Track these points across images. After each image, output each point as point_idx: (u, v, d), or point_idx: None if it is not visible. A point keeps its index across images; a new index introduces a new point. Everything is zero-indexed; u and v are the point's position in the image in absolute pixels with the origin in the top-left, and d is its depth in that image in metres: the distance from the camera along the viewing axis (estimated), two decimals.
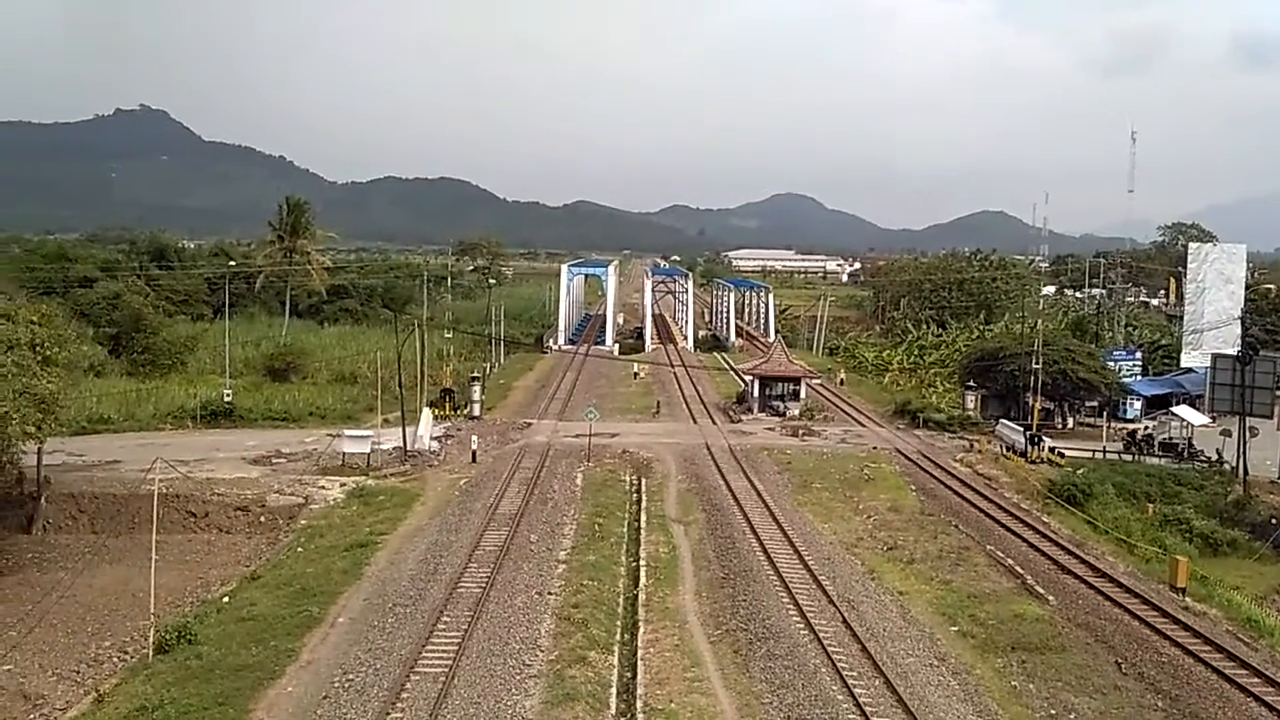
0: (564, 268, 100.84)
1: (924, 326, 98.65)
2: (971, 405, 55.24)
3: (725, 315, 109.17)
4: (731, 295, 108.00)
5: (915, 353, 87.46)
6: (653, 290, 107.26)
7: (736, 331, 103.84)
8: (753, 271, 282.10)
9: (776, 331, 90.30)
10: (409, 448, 44.36)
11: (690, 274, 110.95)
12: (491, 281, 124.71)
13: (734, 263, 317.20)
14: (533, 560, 29.65)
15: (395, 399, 48.72)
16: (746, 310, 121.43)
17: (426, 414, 48.69)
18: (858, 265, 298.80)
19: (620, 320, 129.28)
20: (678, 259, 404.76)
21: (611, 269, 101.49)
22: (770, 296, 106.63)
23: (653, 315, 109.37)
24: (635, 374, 72.09)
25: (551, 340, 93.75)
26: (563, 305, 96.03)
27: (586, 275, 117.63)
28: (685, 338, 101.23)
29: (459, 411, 53.77)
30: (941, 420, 53.33)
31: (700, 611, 26.67)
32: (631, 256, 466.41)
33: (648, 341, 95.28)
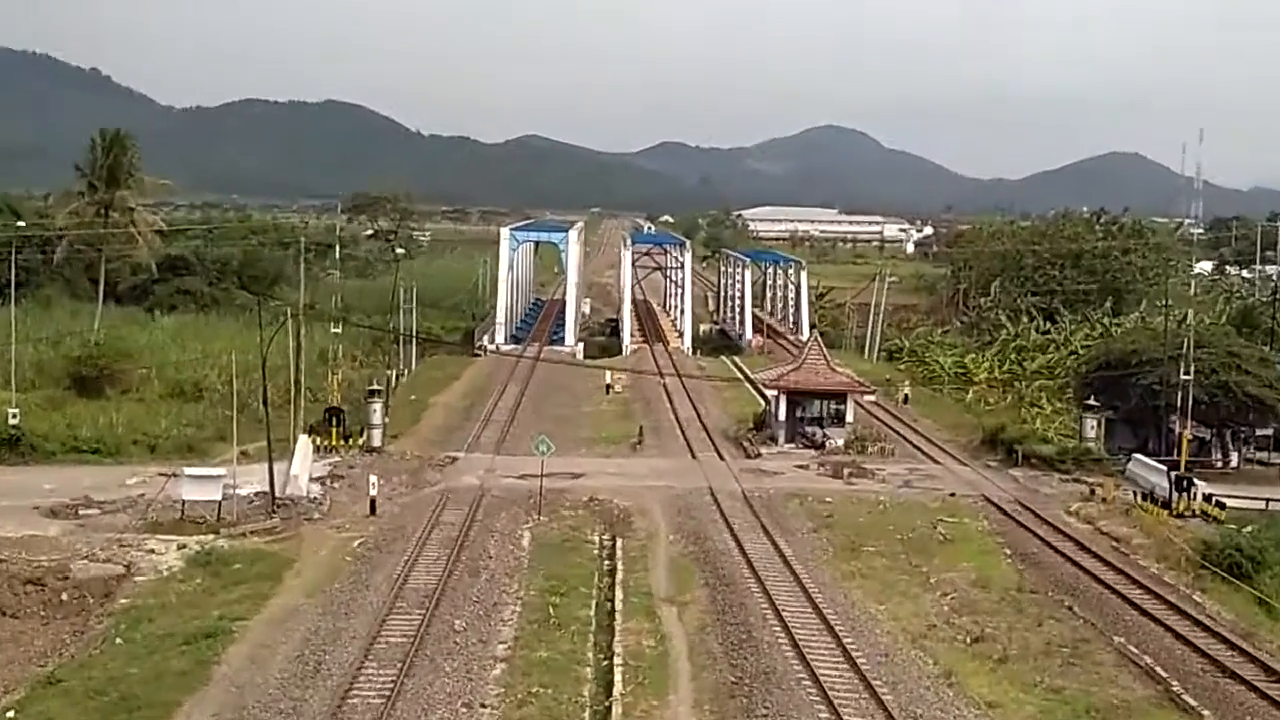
0: (504, 232, 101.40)
1: (1024, 319, 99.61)
2: (1092, 433, 55.69)
3: (738, 302, 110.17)
4: (747, 273, 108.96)
5: (1012, 357, 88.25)
6: (633, 266, 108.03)
7: (754, 326, 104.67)
8: (778, 239, 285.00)
9: (812, 327, 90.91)
10: (278, 493, 44.20)
11: (688, 242, 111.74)
12: (399, 252, 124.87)
13: (751, 226, 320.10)
14: (458, 658, 29.48)
15: (259, 423, 48.73)
16: (769, 295, 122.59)
17: (304, 444, 48.58)
18: (929, 230, 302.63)
19: (587, 309, 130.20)
20: (669, 220, 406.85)
21: (573, 234, 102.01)
22: (803, 275, 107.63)
23: (633, 302, 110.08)
24: (608, 387, 72.46)
25: (487, 338, 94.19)
26: (503, 287, 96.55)
27: (537, 243, 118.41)
28: (680, 335, 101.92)
29: (351, 441, 53.74)
30: (1049, 455, 53.80)
31: None
32: (603, 216, 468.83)
33: (626, 340, 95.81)
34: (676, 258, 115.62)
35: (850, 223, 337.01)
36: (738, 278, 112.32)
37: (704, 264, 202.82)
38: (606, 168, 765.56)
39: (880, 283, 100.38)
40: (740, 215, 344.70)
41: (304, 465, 46.84)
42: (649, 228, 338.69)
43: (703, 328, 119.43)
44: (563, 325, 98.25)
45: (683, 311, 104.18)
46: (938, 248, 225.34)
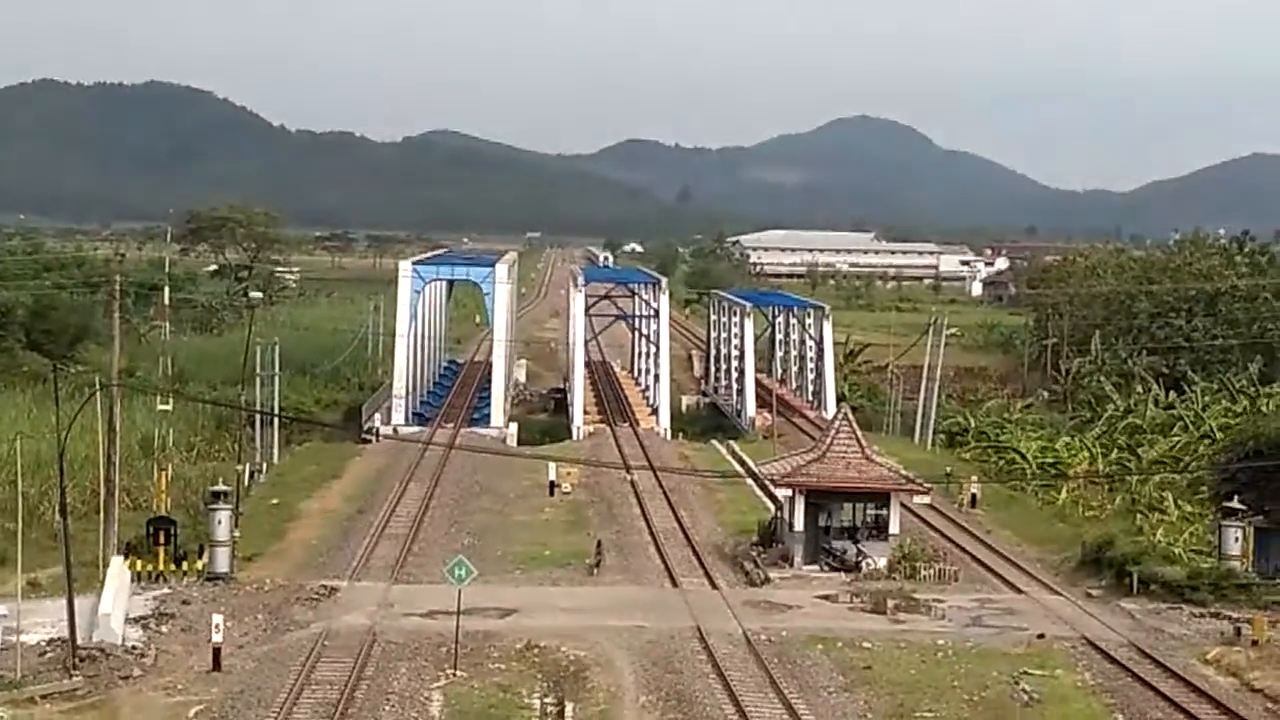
0: (404, 267, 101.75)
1: (1138, 388, 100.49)
2: (1236, 548, 56.02)
3: (736, 364, 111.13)
4: (748, 324, 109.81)
5: (1121, 442, 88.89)
6: (587, 314, 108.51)
7: (759, 398, 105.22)
8: (790, 276, 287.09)
9: (840, 399, 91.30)
10: (81, 640, 43.77)
11: (663, 281, 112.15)
12: (254, 296, 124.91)
13: (753, 257, 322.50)
14: None
15: (54, 540, 48.29)
16: (779, 354, 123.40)
17: (119, 570, 48.20)
18: (1003, 263, 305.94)
19: (522, 375, 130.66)
20: (638, 249, 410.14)
21: (502, 270, 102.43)
22: (827, 326, 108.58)
23: (588, 365, 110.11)
24: (553, 485, 72.51)
25: (380, 417, 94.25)
26: (402, 344, 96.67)
27: (451, 283, 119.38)
28: (655, 411, 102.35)
29: (186, 565, 53.43)
30: (1176, 579, 54.02)
31: None
32: (545, 243, 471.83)
33: (578, 419, 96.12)
34: (648, 302, 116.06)
35: (893, 253, 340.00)
36: (735, 330, 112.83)
37: (687, 311, 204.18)
38: (550, 176, 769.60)
39: (936, 336, 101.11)
40: (738, 242, 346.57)
41: (118, 600, 46.45)
42: (608, 260, 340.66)
43: (686, 400, 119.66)
44: (487, 398, 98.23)
45: (657, 378, 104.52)
46: (1016, 287, 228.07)
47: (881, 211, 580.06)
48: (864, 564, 55.45)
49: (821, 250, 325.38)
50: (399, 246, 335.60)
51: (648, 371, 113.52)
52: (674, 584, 54.10)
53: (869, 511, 57.19)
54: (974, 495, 71.84)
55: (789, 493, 57.56)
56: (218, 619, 44.78)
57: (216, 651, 43.41)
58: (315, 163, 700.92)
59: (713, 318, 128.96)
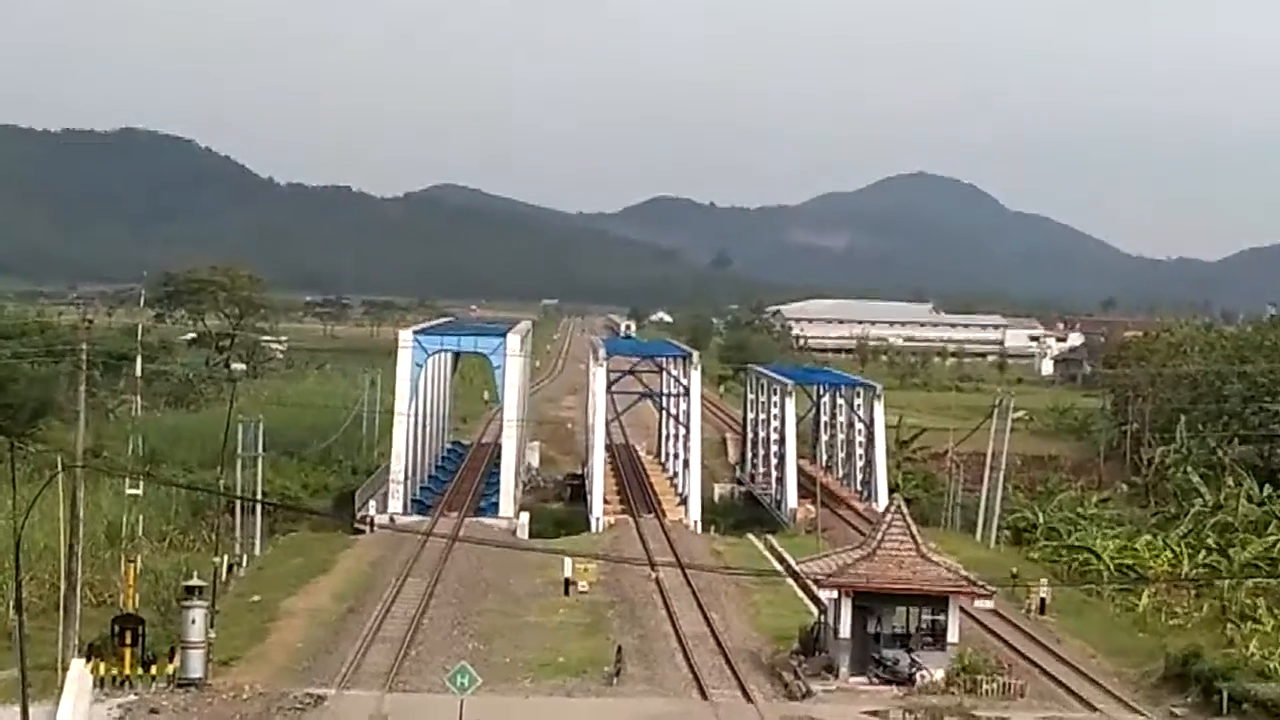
0: (405, 336, 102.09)
1: (1229, 481, 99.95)
2: None
3: (776, 449, 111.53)
4: (790, 404, 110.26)
5: (1210, 541, 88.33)
6: (609, 391, 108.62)
7: (801, 487, 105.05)
8: (838, 351, 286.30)
9: (893, 490, 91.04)
10: None
11: (695, 355, 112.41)
12: (237, 368, 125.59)
13: (796, 329, 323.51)
14: None
15: (8, 638, 48.36)
16: (824, 438, 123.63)
17: (79, 673, 48.16)
18: (1077, 339, 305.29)
19: (535, 459, 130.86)
20: (667, 319, 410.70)
21: (514, 341, 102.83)
22: (879, 407, 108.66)
23: (610, 448, 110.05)
24: (569, 583, 72.41)
25: (375, 504, 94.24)
26: (401, 423, 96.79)
27: (457, 354, 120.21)
28: (684, 500, 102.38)
29: (156, 669, 53.33)
30: (1272, 698, 53.53)
31: None
32: (563, 312, 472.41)
33: (598, 509, 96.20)
34: (677, 379, 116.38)
35: (953, 326, 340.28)
36: (775, 411, 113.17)
37: (721, 389, 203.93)
38: (568, 237, 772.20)
39: (1001, 420, 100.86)
40: (778, 312, 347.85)
41: (79, 708, 46.38)
42: (631, 330, 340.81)
43: (719, 489, 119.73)
44: (496, 485, 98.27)
45: (687, 464, 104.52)
46: (1091, 366, 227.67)
47: (940, 279, 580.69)
48: (918, 676, 55.12)
49: (873, 322, 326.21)
50: (399, 314, 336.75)
51: (676, 456, 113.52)
52: (703, 696, 53.85)
53: (924, 617, 56.90)
54: (1043, 600, 71.43)
55: (834, 594, 57.30)
56: None
57: None
58: (307, 220, 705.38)
59: (750, 397, 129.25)
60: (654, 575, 74.11)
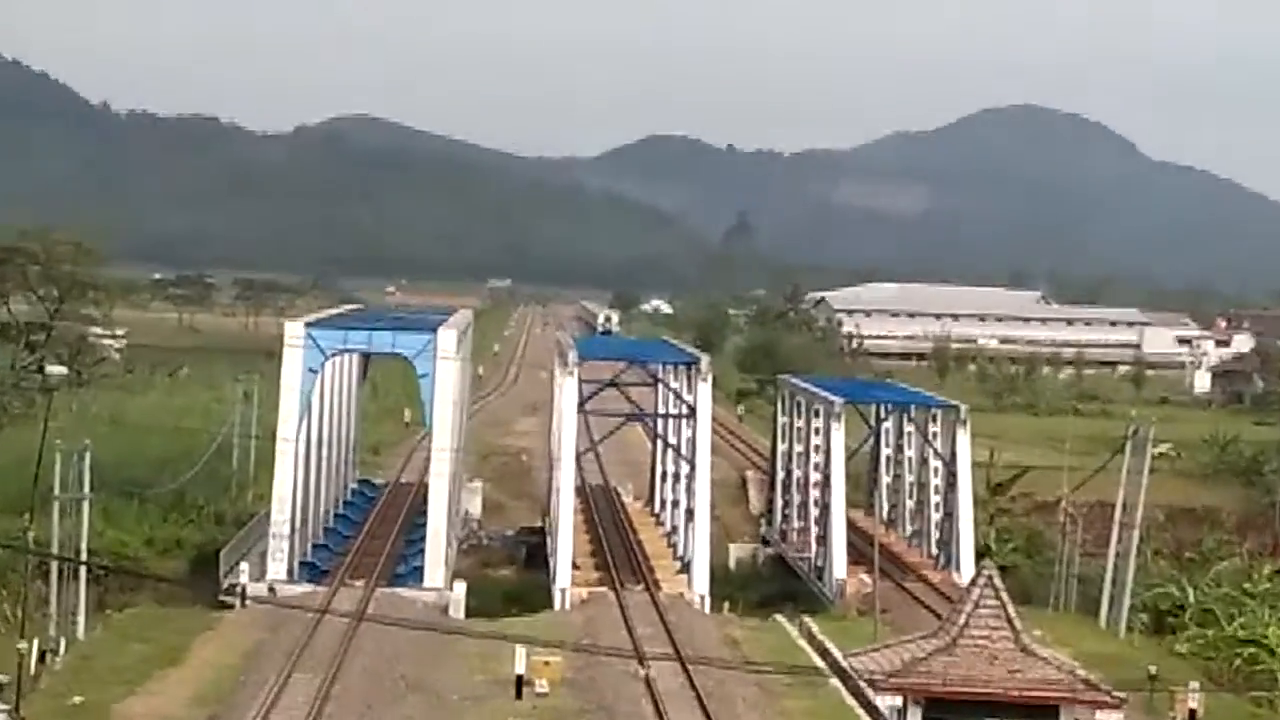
0: (293, 330, 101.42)
1: None
2: None
3: (815, 493, 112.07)
4: (838, 430, 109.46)
5: None
6: (581, 408, 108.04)
7: (852, 550, 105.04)
8: (906, 355, 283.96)
9: (982, 554, 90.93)
10: None
11: (704, 361, 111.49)
12: (54, 371, 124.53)
13: (848, 324, 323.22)
14: None
15: None
16: (882, 479, 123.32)
17: None
18: (1245, 341, 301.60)
19: (476, 506, 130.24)
20: (665, 308, 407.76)
21: (447, 338, 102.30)
22: (962, 437, 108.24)
23: (582, 491, 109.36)
24: (522, 682, 72.29)
25: (249, 566, 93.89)
26: (287, 453, 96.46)
27: (366, 356, 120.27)
28: (686, 565, 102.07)
29: None
30: None
31: None
32: (517, 296, 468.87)
33: (563, 576, 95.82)
34: (679, 394, 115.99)
35: (1069, 323, 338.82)
36: (817, 441, 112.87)
37: (741, 408, 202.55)
38: (526, 192, 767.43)
39: (1137, 457, 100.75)
40: (823, 301, 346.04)
41: None
42: (612, 323, 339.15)
43: (737, 551, 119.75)
44: (420, 542, 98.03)
45: (691, 514, 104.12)
46: (1265, 381, 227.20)
47: (1053, 256, 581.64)
48: None
49: (956, 316, 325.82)
50: (285, 299, 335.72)
51: (676, 504, 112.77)
52: None
53: None
54: (1193, 712, 71.43)
55: (898, 701, 57.37)
56: None
57: None
58: (155, 164, 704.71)
59: (782, 421, 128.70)
60: (643, 672, 73.95)
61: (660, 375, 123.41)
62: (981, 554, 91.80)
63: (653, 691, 71.80)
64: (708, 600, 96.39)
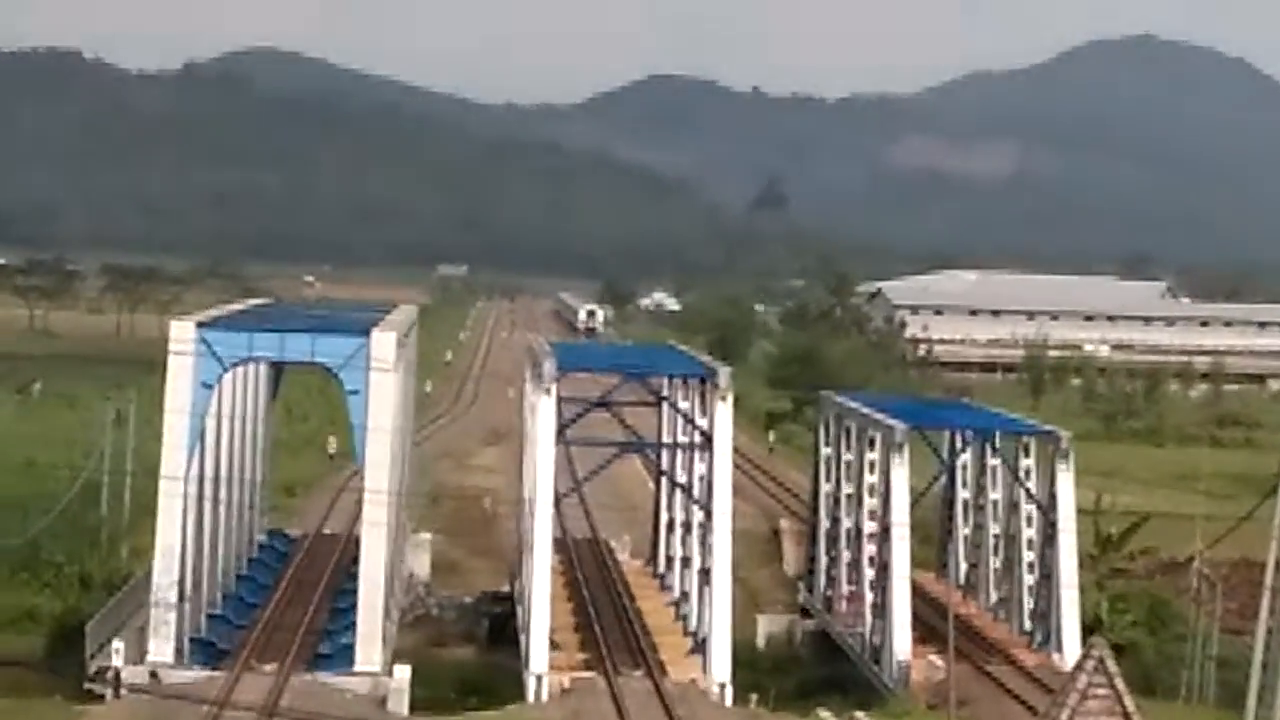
0: (181, 334, 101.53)
1: None
2: None
3: (870, 547, 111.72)
4: (900, 465, 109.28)
5: None
6: (561, 435, 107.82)
7: (922, 624, 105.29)
8: (988, 366, 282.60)
9: (1092, 627, 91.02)
10: None
11: (724, 373, 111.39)
12: None
13: (912, 324, 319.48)
14: None
15: None
16: (961, 528, 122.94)
17: None
18: None
19: (423, 567, 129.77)
20: (670, 303, 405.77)
21: (386, 340, 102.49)
22: (1065, 474, 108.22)
23: (562, 546, 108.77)
24: None
25: (123, 645, 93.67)
26: (174, 499, 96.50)
27: (280, 368, 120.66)
28: (700, 643, 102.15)
29: None
30: None
31: None
32: (475, 288, 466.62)
33: (538, 658, 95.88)
34: (690, 418, 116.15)
35: (1204, 324, 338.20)
36: (872, 479, 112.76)
37: (772, 436, 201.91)
38: (489, 150, 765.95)
39: None
40: (879, 293, 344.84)
41: None
42: (596, 320, 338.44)
43: (768, 624, 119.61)
44: (350, 611, 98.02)
45: (708, 576, 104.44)
46: None
47: (1182, 236, 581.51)
48: None
49: (1054, 315, 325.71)
50: (171, 291, 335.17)
51: (687, 563, 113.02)
52: None
53: None
54: None
55: None
56: None
57: None
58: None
59: (826, 452, 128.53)
60: None
61: (665, 393, 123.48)
62: (1090, 629, 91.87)
63: None
64: (729, 690, 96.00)
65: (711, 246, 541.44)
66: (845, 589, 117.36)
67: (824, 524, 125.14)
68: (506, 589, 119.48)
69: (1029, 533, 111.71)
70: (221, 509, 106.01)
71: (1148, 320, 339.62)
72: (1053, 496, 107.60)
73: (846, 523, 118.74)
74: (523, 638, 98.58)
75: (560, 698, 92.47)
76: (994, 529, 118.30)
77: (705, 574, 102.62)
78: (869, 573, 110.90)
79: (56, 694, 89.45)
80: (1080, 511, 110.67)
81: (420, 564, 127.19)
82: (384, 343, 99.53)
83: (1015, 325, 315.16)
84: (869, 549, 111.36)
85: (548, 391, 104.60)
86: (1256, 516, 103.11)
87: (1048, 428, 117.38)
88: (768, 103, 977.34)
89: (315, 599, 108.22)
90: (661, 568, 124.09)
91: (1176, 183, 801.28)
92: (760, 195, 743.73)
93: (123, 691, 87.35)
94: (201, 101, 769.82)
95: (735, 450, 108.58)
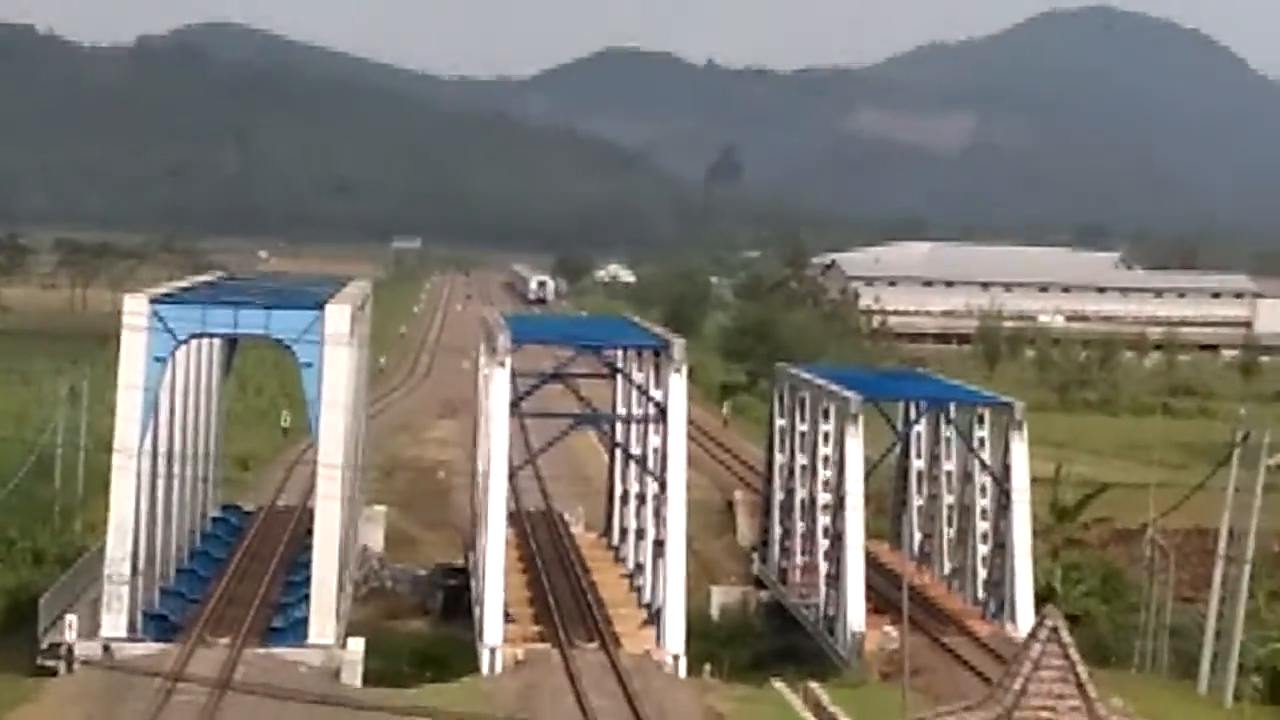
0: (134, 309, 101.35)
1: None
2: None
3: (824, 519, 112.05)
4: (854, 436, 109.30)
5: None
6: (515, 408, 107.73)
7: (876, 594, 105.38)
8: (944, 337, 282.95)
9: (1045, 596, 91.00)
10: None
11: (677, 345, 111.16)
12: None
13: (866, 296, 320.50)
14: None
15: None
16: (915, 499, 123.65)
17: None
18: None
19: (377, 540, 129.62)
20: (625, 275, 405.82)
21: (339, 313, 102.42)
22: (1019, 443, 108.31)
23: (516, 519, 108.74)
24: None
25: (76, 618, 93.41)
26: (128, 474, 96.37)
27: (233, 341, 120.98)
28: (654, 614, 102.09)
29: None
30: None
31: None
32: (428, 262, 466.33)
33: (492, 630, 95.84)
34: (644, 390, 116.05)
35: (1158, 294, 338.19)
36: (827, 451, 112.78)
37: (727, 408, 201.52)
38: (444, 123, 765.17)
39: (1248, 470, 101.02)
40: (833, 265, 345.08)
41: None
42: (546, 290, 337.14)
43: (722, 596, 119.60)
44: (304, 586, 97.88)
45: (661, 547, 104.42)
46: None
47: (1135, 206, 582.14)
48: None
49: (1008, 286, 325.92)
50: (124, 265, 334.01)
51: (641, 535, 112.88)
52: None
53: None
54: None
55: None
56: None
57: None
58: None
59: (780, 424, 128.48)
60: None
61: (620, 365, 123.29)
62: (1044, 598, 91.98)
63: None
64: (683, 661, 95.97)
65: (667, 219, 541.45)
66: (799, 560, 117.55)
67: (778, 495, 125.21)
68: (461, 562, 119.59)
69: (983, 503, 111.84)
70: (175, 483, 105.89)
71: (1102, 290, 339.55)
72: (1006, 467, 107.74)
73: (801, 494, 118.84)
74: (477, 610, 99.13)
75: (514, 670, 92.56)
76: (948, 499, 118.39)
77: (659, 546, 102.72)
78: (823, 543, 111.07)
79: (9, 668, 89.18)
80: (1038, 481, 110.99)
81: (374, 537, 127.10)
82: (338, 316, 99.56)
83: (969, 296, 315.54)
84: (823, 520, 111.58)
85: (501, 364, 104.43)
86: (1209, 486, 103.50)
87: (1002, 398, 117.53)
88: (724, 75, 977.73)
89: (269, 573, 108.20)
90: (616, 540, 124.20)
91: (1132, 152, 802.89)
92: (714, 167, 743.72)
93: (76, 666, 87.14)
94: (156, 76, 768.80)
95: (690, 422, 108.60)
